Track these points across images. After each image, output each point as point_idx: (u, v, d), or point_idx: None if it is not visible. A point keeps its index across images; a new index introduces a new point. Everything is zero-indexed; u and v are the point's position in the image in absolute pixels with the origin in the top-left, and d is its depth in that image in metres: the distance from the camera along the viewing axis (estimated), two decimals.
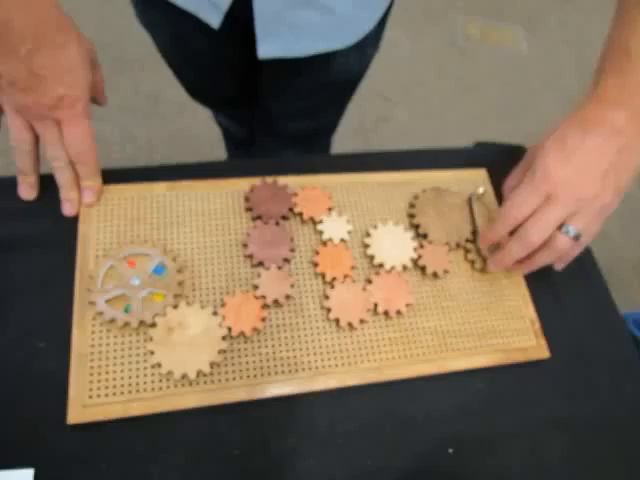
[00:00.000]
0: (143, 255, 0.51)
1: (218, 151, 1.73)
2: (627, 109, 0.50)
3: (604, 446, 0.54)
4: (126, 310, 0.48)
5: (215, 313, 0.50)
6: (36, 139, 0.51)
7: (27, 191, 0.53)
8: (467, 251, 0.59)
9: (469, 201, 0.61)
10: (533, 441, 0.53)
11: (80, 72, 0.48)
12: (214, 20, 0.63)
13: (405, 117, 2.02)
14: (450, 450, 0.51)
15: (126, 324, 0.47)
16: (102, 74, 0.54)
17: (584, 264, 0.64)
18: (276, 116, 0.91)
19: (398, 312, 0.53)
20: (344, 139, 1.18)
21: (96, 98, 0.55)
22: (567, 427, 0.54)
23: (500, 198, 0.62)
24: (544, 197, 0.51)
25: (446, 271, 0.57)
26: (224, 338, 0.48)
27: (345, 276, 0.54)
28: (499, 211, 0.54)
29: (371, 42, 0.76)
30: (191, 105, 1.10)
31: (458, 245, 0.59)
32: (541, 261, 0.54)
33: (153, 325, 0.48)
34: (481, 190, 0.61)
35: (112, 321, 0.47)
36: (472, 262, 0.58)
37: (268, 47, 0.65)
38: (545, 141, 0.54)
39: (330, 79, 0.79)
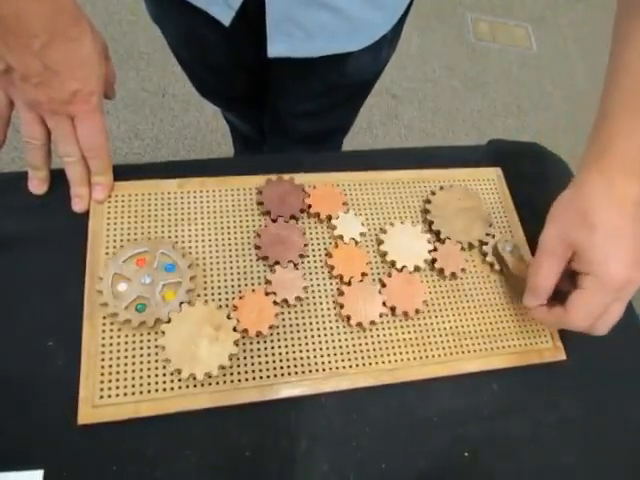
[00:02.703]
0: (153, 253, 0.50)
1: (225, 148, 1.73)
2: None
3: (620, 450, 0.53)
4: (137, 309, 0.47)
5: (227, 313, 0.49)
6: (48, 134, 0.50)
7: (38, 185, 0.52)
8: (484, 254, 0.58)
9: (495, 249, 0.58)
10: (548, 444, 0.52)
11: (94, 66, 0.48)
12: (225, 17, 0.63)
13: (413, 115, 2.01)
14: (466, 453, 0.50)
15: (142, 324, 0.47)
16: (113, 68, 0.54)
17: None
18: (286, 116, 0.90)
19: (413, 312, 0.53)
20: (352, 136, 1.18)
21: (106, 92, 0.54)
22: (583, 430, 0.53)
23: (515, 201, 0.62)
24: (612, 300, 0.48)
25: (462, 270, 0.56)
26: (236, 342, 0.48)
27: (359, 275, 0.53)
28: (563, 315, 0.49)
29: (387, 44, 0.75)
30: (198, 101, 1.10)
31: (473, 245, 0.58)
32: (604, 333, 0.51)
33: (165, 325, 0.47)
34: (508, 248, 0.57)
35: (127, 322, 0.47)
36: (491, 265, 0.57)
37: (278, 46, 0.65)
38: (585, 233, 0.47)
39: (343, 80, 0.77)
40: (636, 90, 0.48)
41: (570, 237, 0.48)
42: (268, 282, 0.51)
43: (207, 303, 0.49)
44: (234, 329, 0.48)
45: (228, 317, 0.48)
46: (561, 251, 0.49)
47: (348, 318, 0.51)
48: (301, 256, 0.53)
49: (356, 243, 0.55)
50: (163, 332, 0.46)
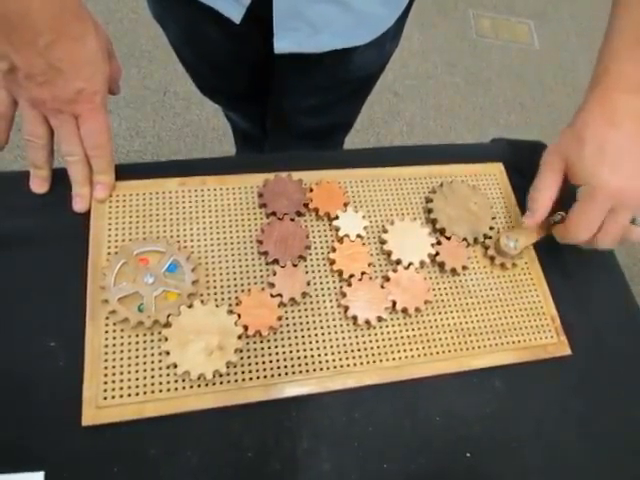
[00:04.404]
0: (156, 252, 0.50)
1: (227, 146, 1.73)
2: None
3: (625, 446, 0.53)
4: (140, 309, 0.47)
5: (230, 312, 0.48)
6: (51, 133, 0.50)
7: (40, 185, 0.52)
8: (486, 247, 0.58)
9: (497, 245, 0.57)
10: (552, 442, 0.51)
11: (99, 64, 0.47)
12: (236, 15, 0.62)
13: (415, 112, 2.01)
14: (468, 454, 0.49)
15: (139, 323, 0.46)
16: (119, 64, 0.53)
17: (604, 260, 0.62)
18: (290, 112, 0.89)
19: (417, 309, 0.52)
20: (353, 134, 1.17)
21: (111, 88, 0.54)
22: (587, 427, 0.53)
23: (517, 197, 0.61)
24: (608, 210, 0.50)
25: (465, 267, 0.56)
26: (240, 337, 0.47)
27: (362, 273, 0.53)
28: (564, 230, 0.53)
29: (390, 38, 0.75)
30: (199, 99, 1.10)
31: (476, 240, 0.58)
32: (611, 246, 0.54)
33: (167, 325, 0.47)
34: (511, 244, 0.57)
35: (125, 320, 0.46)
36: (492, 258, 0.57)
37: (285, 42, 0.64)
38: (576, 147, 0.52)
39: (347, 75, 0.77)
40: (634, 24, 0.51)
41: (564, 152, 0.52)
42: (271, 280, 0.51)
43: (209, 303, 0.48)
44: (236, 325, 0.48)
45: (230, 314, 0.48)
46: (557, 166, 0.53)
47: (353, 316, 0.51)
48: (303, 255, 0.53)
49: (359, 239, 0.55)
50: (166, 338, 0.46)
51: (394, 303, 0.52)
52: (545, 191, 0.54)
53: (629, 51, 0.50)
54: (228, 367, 0.47)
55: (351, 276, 0.53)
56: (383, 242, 0.55)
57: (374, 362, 0.50)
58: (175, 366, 0.45)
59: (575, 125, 0.52)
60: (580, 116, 0.52)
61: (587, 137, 0.50)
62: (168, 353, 0.46)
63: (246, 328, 0.48)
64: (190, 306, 0.48)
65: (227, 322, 0.48)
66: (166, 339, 0.46)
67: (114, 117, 1.68)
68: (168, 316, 0.47)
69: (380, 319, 0.51)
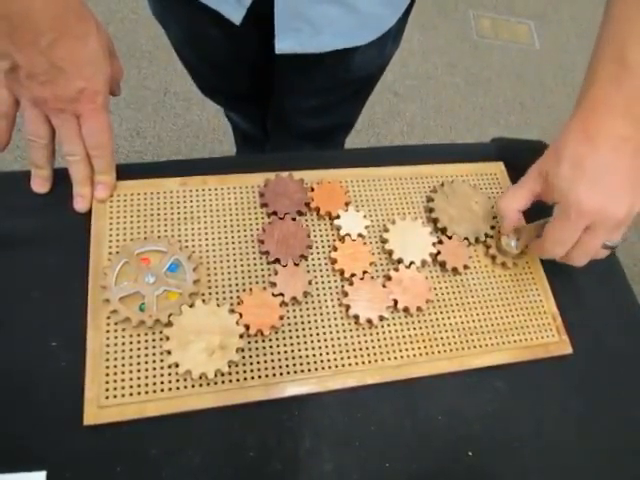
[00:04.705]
0: (158, 252, 0.50)
1: (227, 146, 1.73)
2: (626, 117, 0.48)
3: (625, 447, 0.53)
4: (141, 309, 0.47)
5: (232, 311, 0.48)
6: (52, 133, 0.50)
7: (41, 184, 0.52)
8: (488, 246, 0.58)
9: (499, 244, 0.58)
10: (553, 441, 0.51)
11: (100, 64, 0.47)
12: (236, 16, 0.62)
13: (416, 113, 2.01)
14: (470, 453, 0.49)
15: (141, 323, 0.46)
16: (120, 65, 0.53)
17: (606, 260, 0.62)
18: (291, 113, 0.89)
19: (418, 309, 0.52)
20: (354, 134, 1.17)
21: (111, 89, 0.54)
22: (588, 427, 0.53)
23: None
24: (583, 229, 0.49)
25: (466, 266, 0.56)
26: (241, 336, 0.47)
27: (364, 272, 0.53)
28: (540, 246, 0.53)
29: (392, 38, 0.75)
30: (200, 99, 1.10)
31: (478, 240, 0.58)
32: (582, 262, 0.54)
33: (169, 324, 0.47)
34: (513, 243, 0.57)
35: (126, 320, 0.46)
36: (493, 257, 0.57)
37: (286, 42, 0.64)
38: (553, 164, 0.51)
39: (348, 75, 0.77)
40: (614, 41, 0.50)
41: (543, 168, 0.52)
42: (272, 280, 0.51)
43: (211, 303, 0.48)
44: (238, 326, 0.48)
45: (231, 313, 0.48)
46: (532, 182, 0.53)
47: (355, 316, 0.51)
48: (305, 254, 0.53)
49: (361, 238, 0.55)
50: (168, 337, 0.46)
51: (395, 302, 0.52)
52: (509, 202, 0.54)
53: (609, 72, 0.49)
54: (230, 366, 0.47)
55: (352, 275, 0.53)
56: (384, 241, 0.55)
57: (375, 361, 0.50)
58: (177, 365, 0.45)
59: (556, 142, 0.52)
60: (562, 133, 0.51)
61: (565, 156, 0.50)
62: (170, 352, 0.46)
63: (247, 327, 0.48)
64: (191, 305, 0.48)
65: (228, 321, 0.48)
66: (167, 338, 0.46)
67: (115, 117, 1.68)
68: (169, 316, 0.47)
69: (382, 318, 0.51)
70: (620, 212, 0.48)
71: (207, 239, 0.53)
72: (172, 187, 0.55)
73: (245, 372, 0.47)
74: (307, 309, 0.51)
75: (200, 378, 0.46)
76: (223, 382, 0.46)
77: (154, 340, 0.47)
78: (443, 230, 0.57)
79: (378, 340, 0.51)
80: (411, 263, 0.54)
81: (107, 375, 0.45)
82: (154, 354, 0.46)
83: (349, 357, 0.50)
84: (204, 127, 1.77)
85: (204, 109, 1.77)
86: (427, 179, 0.61)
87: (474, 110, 2.08)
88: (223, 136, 1.76)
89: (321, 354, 0.49)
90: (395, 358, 0.50)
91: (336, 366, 0.49)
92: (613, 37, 0.50)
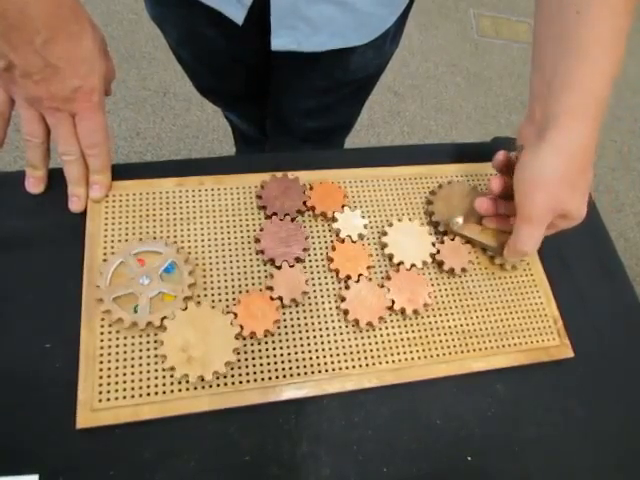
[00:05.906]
0: (154, 253, 0.49)
1: (227, 147, 1.72)
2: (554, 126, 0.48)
3: (627, 450, 0.52)
4: (135, 310, 0.46)
5: (227, 312, 0.48)
6: (48, 132, 0.49)
7: (34, 184, 0.52)
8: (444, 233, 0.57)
9: (450, 230, 0.57)
10: (553, 445, 0.51)
11: (95, 63, 0.47)
12: (238, 16, 0.62)
13: (416, 112, 2.00)
14: (469, 457, 0.49)
15: (133, 324, 0.46)
16: (112, 65, 0.53)
17: (607, 261, 0.62)
18: (290, 114, 0.89)
19: (417, 311, 0.52)
20: (354, 134, 1.17)
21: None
22: (588, 430, 0.52)
23: None
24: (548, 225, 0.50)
25: (464, 269, 0.55)
26: (237, 337, 0.47)
27: (362, 274, 0.52)
28: (508, 245, 0.52)
29: (390, 38, 0.74)
30: (199, 100, 1.09)
31: None
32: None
33: (163, 327, 0.46)
34: (459, 220, 0.56)
35: (119, 320, 0.46)
36: (491, 257, 0.56)
37: (282, 39, 0.64)
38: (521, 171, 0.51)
39: (346, 76, 0.77)
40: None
41: (510, 182, 0.52)
42: (269, 282, 0.50)
43: (207, 305, 0.48)
44: (233, 327, 0.47)
45: (226, 314, 0.48)
46: (503, 192, 0.54)
47: (354, 319, 0.50)
48: (303, 255, 0.52)
49: (359, 240, 0.55)
50: (162, 342, 0.45)
51: (394, 304, 0.51)
52: (482, 204, 0.55)
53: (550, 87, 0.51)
54: (227, 368, 0.46)
55: (350, 277, 0.52)
56: (383, 242, 0.55)
57: (373, 364, 0.49)
58: (172, 369, 0.45)
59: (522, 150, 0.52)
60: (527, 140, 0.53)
61: (522, 164, 0.50)
62: (165, 357, 0.45)
63: (243, 328, 0.47)
64: (185, 308, 0.47)
65: (223, 322, 0.47)
66: (162, 343, 0.45)
67: (114, 118, 1.68)
68: (163, 318, 0.46)
69: (380, 321, 0.51)
70: (576, 207, 0.49)
71: (203, 240, 0.52)
72: (168, 187, 0.54)
73: (241, 375, 0.47)
74: (304, 311, 0.51)
75: (202, 380, 0.45)
76: (219, 385, 0.46)
77: (148, 342, 0.46)
78: (444, 232, 0.57)
79: (376, 343, 0.50)
80: (412, 265, 0.54)
81: (101, 378, 0.44)
82: (148, 357, 0.46)
83: (347, 360, 0.49)
84: (204, 127, 1.76)
85: (204, 110, 1.77)
86: (427, 179, 0.61)
87: (475, 109, 2.07)
88: (223, 136, 1.75)
89: (318, 357, 0.49)
90: (394, 361, 0.50)
91: (334, 369, 0.48)
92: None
